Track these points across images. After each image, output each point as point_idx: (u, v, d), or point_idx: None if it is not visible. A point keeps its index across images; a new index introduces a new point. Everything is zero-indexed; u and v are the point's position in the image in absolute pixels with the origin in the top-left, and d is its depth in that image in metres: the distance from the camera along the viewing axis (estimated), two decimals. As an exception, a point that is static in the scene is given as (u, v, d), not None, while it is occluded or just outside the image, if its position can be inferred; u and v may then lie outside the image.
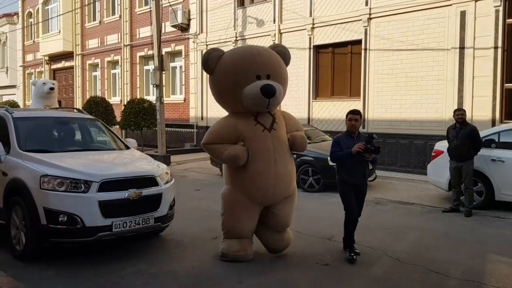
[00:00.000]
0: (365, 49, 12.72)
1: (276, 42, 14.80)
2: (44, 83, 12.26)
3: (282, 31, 14.85)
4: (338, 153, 5.21)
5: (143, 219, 5.25)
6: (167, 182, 5.74)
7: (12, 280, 4.04)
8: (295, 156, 9.89)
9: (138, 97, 18.64)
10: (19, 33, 29.55)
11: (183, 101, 18.74)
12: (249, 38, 15.80)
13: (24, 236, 5.10)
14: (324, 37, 13.68)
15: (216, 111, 17.00)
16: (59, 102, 16.28)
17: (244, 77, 4.91)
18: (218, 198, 5.37)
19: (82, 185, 4.98)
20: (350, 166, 5.21)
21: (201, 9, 17.45)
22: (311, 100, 14.07)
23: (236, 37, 16.23)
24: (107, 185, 5.06)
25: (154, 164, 6.00)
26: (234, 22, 16.35)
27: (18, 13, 29.82)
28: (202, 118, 17.74)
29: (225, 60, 5.05)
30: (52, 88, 11.82)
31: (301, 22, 14.22)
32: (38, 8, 26.52)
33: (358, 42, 12.96)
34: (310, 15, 13.97)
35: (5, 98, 30.95)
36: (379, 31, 12.44)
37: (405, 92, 11.95)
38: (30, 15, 28.22)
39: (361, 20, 12.72)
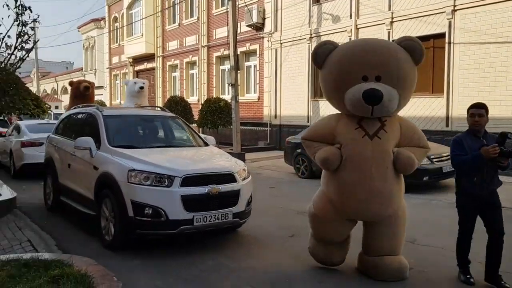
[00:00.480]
0: (449, 43, 12.02)
1: (353, 38, 14.46)
2: (135, 82, 12.51)
3: (358, 26, 14.47)
4: (462, 157, 4.22)
5: (222, 214, 5.36)
6: (244, 179, 5.81)
7: (103, 269, 4.29)
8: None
9: (214, 96, 19.15)
10: (106, 37, 31.59)
11: (257, 100, 18.94)
12: (325, 35, 15.57)
13: (113, 227, 5.42)
14: (404, 31, 13.12)
15: (290, 110, 17.03)
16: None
17: (348, 77, 4.23)
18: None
19: (166, 179, 5.19)
20: (477, 173, 4.22)
21: (275, 8, 17.51)
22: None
23: (311, 34, 16.08)
24: (188, 180, 5.23)
25: (232, 161, 6.12)
26: (309, 19, 16.21)
27: (104, 18, 31.90)
28: (275, 116, 17.81)
29: (333, 56, 4.38)
30: (141, 87, 12.05)
31: (379, 16, 13.77)
32: (123, 13, 28.16)
33: (441, 35, 12.28)
34: (389, 9, 13.47)
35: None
36: (464, 23, 11.69)
37: (493, 88, 11.13)
38: (115, 19, 30.05)
39: (444, 12, 12.04)
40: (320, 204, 4.60)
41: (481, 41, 11.34)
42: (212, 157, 6.26)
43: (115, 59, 30.76)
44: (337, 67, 4.34)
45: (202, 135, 7.44)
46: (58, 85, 44.56)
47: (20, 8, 8.64)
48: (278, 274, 4.71)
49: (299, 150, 11.34)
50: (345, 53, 4.37)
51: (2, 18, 8.66)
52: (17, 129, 12.03)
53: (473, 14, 11.48)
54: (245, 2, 17.22)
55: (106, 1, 30.76)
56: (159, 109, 8.62)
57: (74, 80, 13.36)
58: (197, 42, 22.13)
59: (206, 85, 21.75)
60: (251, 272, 4.76)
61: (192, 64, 23.24)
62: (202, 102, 18.62)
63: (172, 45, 24.35)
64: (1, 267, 4.11)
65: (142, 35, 25.64)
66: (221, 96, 18.75)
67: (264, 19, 18.03)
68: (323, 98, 16.01)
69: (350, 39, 14.58)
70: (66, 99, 41.03)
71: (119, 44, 29.69)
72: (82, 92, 12.09)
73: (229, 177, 5.56)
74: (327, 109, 15.63)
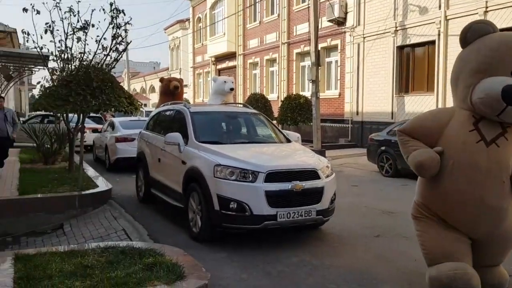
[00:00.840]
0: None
1: (442, 30, 13.67)
2: (225, 82, 12.38)
3: (448, 17, 13.63)
4: None
5: (305, 211, 5.32)
6: (327, 176, 5.73)
7: (192, 259, 4.45)
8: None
9: (294, 93, 19.12)
10: (190, 37, 32.86)
11: (338, 96, 18.61)
12: (411, 27, 14.89)
13: (200, 220, 5.61)
14: (500, 20, 12.13)
15: (373, 106, 16.52)
16: None
17: (497, 65, 3.60)
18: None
19: (250, 175, 5.26)
20: None
21: (358, 1, 17.05)
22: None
23: (396, 27, 15.44)
24: (272, 176, 5.26)
25: (315, 158, 6.05)
26: (394, 12, 15.57)
27: (189, 19, 33.19)
28: (357, 113, 17.37)
29: (489, 38, 3.76)
30: (232, 89, 12.18)
31: (471, 6, 12.86)
32: (206, 13, 29.11)
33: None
34: (484, -3, 12.53)
35: (178, 96, 34.84)
36: None
37: None
38: (199, 20, 31.15)
39: (550, -3, 10.95)
40: (419, 215, 4.01)
41: None
42: (295, 154, 6.24)
43: (198, 58, 31.90)
44: (490, 51, 3.67)
45: (284, 131, 7.45)
46: (147, 84, 47.25)
47: (114, 11, 9.27)
48: (363, 274, 4.57)
49: (383, 148, 10.96)
50: (506, 41, 3.70)
51: (99, 22, 9.36)
52: (112, 125, 12.91)
53: None
54: (326, -3, 16.97)
55: (191, 2, 31.97)
56: (241, 105, 8.78)
57: (165, 77, 13.89)
58: (278, 39, 22.23)
59: (286, 82, 21.79)
60: (336, 270, 4.67)
61: (272, 61, 23.40)
62: (282, 99, 18.68)
63: (253, 43, 24.70)
64: (101, 253, 4.42)
65: (224, 34, 26.31)
66: (301, 93, 18.68)
67: (346, 13, 17.63)
68: (408, 94, 15.33)
69: (439, 31, 13.82)
70: (153, 98, 43.43)
71: (202, 44, 30.74)
72: (172, 91, 12.50)
73: (312, 174, 5.50)
74: (413, 105, 14.94)
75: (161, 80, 13.57)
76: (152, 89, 45.78)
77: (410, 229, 6.19)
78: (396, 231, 6.16)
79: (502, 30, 12.31)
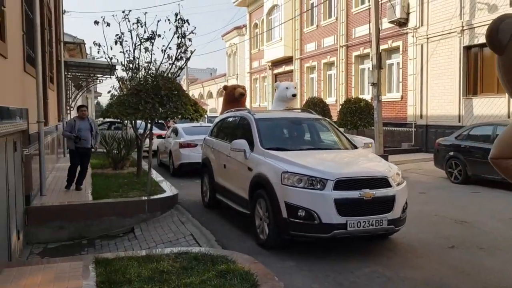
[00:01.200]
0: None
1: (514, 27, 12.86)
2: (286, 88, 12.30)
3: (522, 14, 12.80)
4: None
5: (376, 220, 5.18)
6: (398, 184, 5.54)
7: (263, 267, 4.45)
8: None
9: (353, 96, 18.76)
10: (247, 43, 33.23)
11: (400, 99, 18.04)
12: (479, 26, 14.15)
13: (267, 227, 5.60)
14: None
15: (438, 109, 15.86)
16: None
17: None
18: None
19: (318, 183, 5.19)
20: None
21: (421, 1, 16.46)
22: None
23: (463, 26, 14.74)
24: (341, 184, 5.17)
25: (385, 165, 5.88)
26: (460, 11, 14.87)
27: (246, 25, 33.59)
28: (421, 116, 16.73)
29: None
30: (294, 95, 11.95)
31: (549, 1, 12.02)
32: (262, 19, 29.31)
33: None
34: (563, -9, 11.68)
35: (235, 102, 35.30)
36: None
37: None
38: (256, 26, 31.43)
39: None
40: None
41: None
42: (363, 160, 6.10)
43: (255, 64, 32.17)
44: None
45: (350, 136, 7.30)
46: (204, 90, 48.31)
47: (179, 21, 9.54)
48: (441, 287, 4.37)
49: (452, 153, 10.48)
50: None
51: (164, 32, 9.68)
52: (175, 131, 13.29)
53: None
54: (387, -2, 16.54)
55: (248, 9, 32.34)
56: (299, 111, 8.72)
57: (228, 85, 14.03)
58: (335, 42, 21.94)
59: (345, 85, 21.44)
60: (411, 282, 4.50)
61: (330, 65, 23.13)
62: (341, 102, 18.38)
63: (310, 47, 24.55)
64: (175, 259, 4.54)
65: (281, 39, 26.35)
66: (360, 96, 18.27)
67: (408, 14, 17.08)
68: (477, 96, 14.58)
69: (511, 28, 13.00)
70: (211, 103, 44.34)
71: (259, 49, 30.98)
72: (237, 98, 12.55)
73: (383, 182, 5.35)
74: (482, 107, 14.18)
75: (225, 88, 13.65)
76: (210, 95, 46.72)
77: (486, 239, 5.92)
78: (471, 241, 5.86)
79: None
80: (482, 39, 14.15)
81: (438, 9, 15.82)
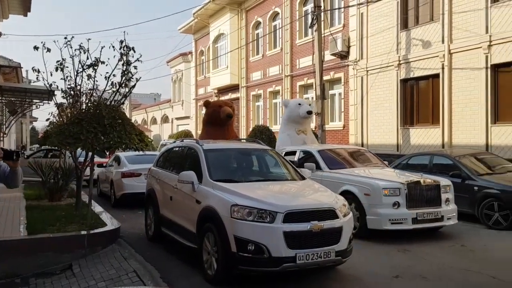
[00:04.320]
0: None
1: (445, 63, 13.80)
2: (299, 104, 9.98)
3: (452, 51, 13.78)
4: None
5: (324, 252, 5.20)
6: (345, 215, 5.62)
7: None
8: (476, 188, 9.09)
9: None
10: (193, 70, 33.21)
11: (342, 128, 18.63)
12: (414, 61, 15.04)
13: (215, 262, 5.45)
14: (504, 54, 12.27)
15: (378, 138, 16.51)
16: None
17: None
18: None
19: (268, 215, 5.16)
20: None
21: (361, 36, 17.30)
22: (489, 125, 12.64)
23: (399, 60, 15.60)
24: (291, 216, 5.16)
25: (332, 196, 5.96)
26: (397, 46, 15.76)
27: (191, 52, 33.63)
28: (362, 145, 17.31)
29: None
30: (310, 112, 9.02)
31: (475, 40, 13.01)
32: (209, 47, 29.50)
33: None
34: (486, 32, 12.69)
35: (180, 128, 34.98)
36: None
37: None
38: (202, 53, 31.54)
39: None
40: None
41: None
42: (311, 192, 6.16)
43: (201, 90, 32.14)
44: None
45: (298, 168, 7.36)
46: (148, 116, 47.45)
47: (124, 48, 9.32)
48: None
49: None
50: None
51: (108, 59, 9.40)
52: (117, 160, 12.83)
53: None
54: (330, 31, 17.23)
55: (193, 36, 32.46)
56: (244, 140, 8.65)
57: (211, 100, 10.37)
58: (281, 72, 22.45)
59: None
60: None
61: (275, 94, 23.56)
62: (287, 131, 18.68)
63: (256, 75, 24.94)
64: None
65: (227, 67, 26.58)
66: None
67: (349, 47, 17.86)
68: (414, 126, 15.36)
69: (442, 64, 13.95)
70: (155, 129, 43.54)
71: (205, 76, 31.03)
72: (222, 120, 9.82)
73: (331, 213, 5.40)
74: (418, 137, 14.93)
75: (206, 104, 10.29)
76: (154, 121, 45.95)
77: (428, 268, 6.11)
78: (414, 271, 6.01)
79: (507, 64, 12.40)
80: (418, 73, 15.06)
81: (376, 43, 16.68)
